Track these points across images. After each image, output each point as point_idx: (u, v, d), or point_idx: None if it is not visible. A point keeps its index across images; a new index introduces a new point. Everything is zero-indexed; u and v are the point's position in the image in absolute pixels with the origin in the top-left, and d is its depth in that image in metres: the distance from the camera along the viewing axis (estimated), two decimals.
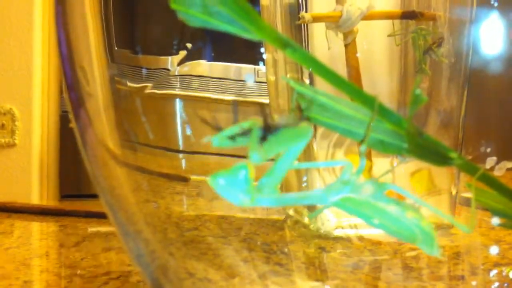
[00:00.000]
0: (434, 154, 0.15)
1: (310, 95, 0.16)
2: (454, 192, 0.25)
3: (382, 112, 0.15)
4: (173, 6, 0.15)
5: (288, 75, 0.29)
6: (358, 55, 0.30)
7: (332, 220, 0.25)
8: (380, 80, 0.29)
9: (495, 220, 0.15)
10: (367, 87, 0.29)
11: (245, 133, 0.14)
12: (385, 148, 0.16)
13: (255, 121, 0.14)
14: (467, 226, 0.14)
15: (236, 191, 0.14)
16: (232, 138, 0.14)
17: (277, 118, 0.14)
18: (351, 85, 0.15)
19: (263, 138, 0.14)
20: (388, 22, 0.29)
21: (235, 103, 0.15)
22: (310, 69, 0.16)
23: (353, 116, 0.16)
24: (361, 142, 0.15)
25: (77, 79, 0.19)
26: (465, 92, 0.25)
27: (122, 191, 0.20)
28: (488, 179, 0.16)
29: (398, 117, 0.15)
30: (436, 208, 0.15)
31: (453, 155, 0.15)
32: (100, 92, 0.21)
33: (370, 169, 0.21)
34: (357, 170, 0.15)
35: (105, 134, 0.20)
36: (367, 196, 0.15)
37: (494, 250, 0.22)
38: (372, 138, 0.16)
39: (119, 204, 0.19)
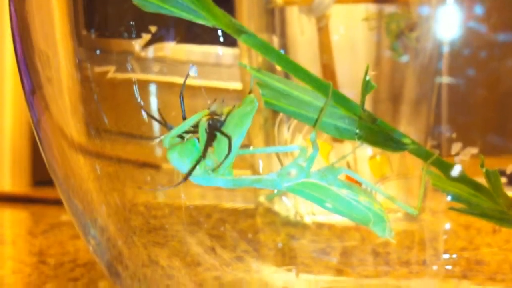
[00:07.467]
0: (387, 140, 0.16)
1: (266, 80, 0.17)
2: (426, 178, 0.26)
3: (337, 98, 0.16)
4: None
5: (260, 59, 0.29)
6: (336, 38, 0.30)
7: (303, 207, 0.26)
8: (356, 65, 0.30)
9: (449, 197, 0.17)
10: (342, 72, 0.29)
11: (194, 130, 0.15)
12: (340, 134, 0.17)
13: (201, 116, 0.15)
14: (414, 208, 0.15)
15: (188, 163, 0.15)
16: (181, 137, 0.15)
17: (223, 108, 0.15)
18: (306, 72, 0.16)
19: (212, 134, 0.15)
20: (365, 6, 0.30)
21: (181, 95, 0.16)
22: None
23: (310, 102, 0.17)
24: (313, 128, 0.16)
25: (33, 63, 0.20)
26: (437, 78, 0.26)
27: (80, 179, 0.20)
28: (442, 165, 0.17)
29: (352, 104, 0.16)
30: (386, 192, 0.16)
31: (407, 140, 0.16)
32: (63, 76, 0.22)
33: (328, 153, 0.22)
34: (310, 156, 0.16)
35: (64, 121, 0.21)
36: (321, 180, 0.16)
37: (461, 235, 0.23)
38: (328, 124, 0.17)
39: (76, 192, 0.20)
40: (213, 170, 0.15)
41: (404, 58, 0.27)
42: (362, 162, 0.24)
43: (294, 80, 0.17)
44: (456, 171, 0.16)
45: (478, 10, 0.22)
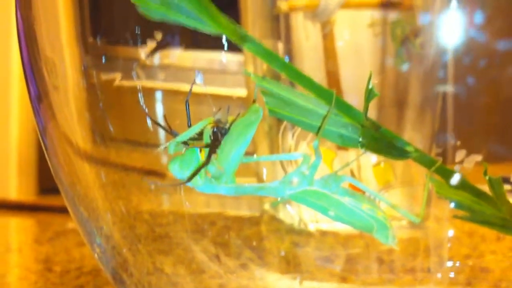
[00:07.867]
0: (390, 148, 0.16)
1: (270, 88, 0.17)
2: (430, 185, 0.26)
3: (340, 106, 0.17)
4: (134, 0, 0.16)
5: (265, 66, 0.29)
6: (341, 43, 0.31)
7: (307, 214, 0.26)
8: (360, 70, 0.30)
9: (452, 205, 0.17)
10: (347, 78, 0.30)
11: (198, 137, 0.15)
12: (343, 142, 0.17)
13: (207, 123, 0.15)
14: (416, 216, 0.15)
15: (189, 174, 0.15)
16: (186, 143, 0.15)
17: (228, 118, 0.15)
18: (310, 80, 0.17)
19: (216, 141, 0.15)
20: (370, 12, 0.30)
21: (187, 102, 0.16)
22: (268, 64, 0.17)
23: (314, 110, 0.17)
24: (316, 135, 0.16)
25: (40, 70, 0.20)
26: (440, 87, 0.26)
27: (86, 186, 0.21)
28: (445, 173, 0.17)
29: (355, 111, 0.16)
30: (389, 200, 0.17)
31: (410, 148, 0.16)
32: (69, 84, 0.22)
33: (332, 160, 0.22)
34: (313, 164, 0.16)
35: (71, 129, 0.21)
36: (324, 188, 0.16)
37: (466, 242, 0.23)
38: (332, 132, 0.17)
39: (81, 200, 0.20)
40: (203, 164, 0.15)
41: (405, 66, 0.27)
42: (366, 170, 0.24)
43: (299, 87, 0.17)
44: (455, 179, 0.16)
45: (483, 16, 0.23)
